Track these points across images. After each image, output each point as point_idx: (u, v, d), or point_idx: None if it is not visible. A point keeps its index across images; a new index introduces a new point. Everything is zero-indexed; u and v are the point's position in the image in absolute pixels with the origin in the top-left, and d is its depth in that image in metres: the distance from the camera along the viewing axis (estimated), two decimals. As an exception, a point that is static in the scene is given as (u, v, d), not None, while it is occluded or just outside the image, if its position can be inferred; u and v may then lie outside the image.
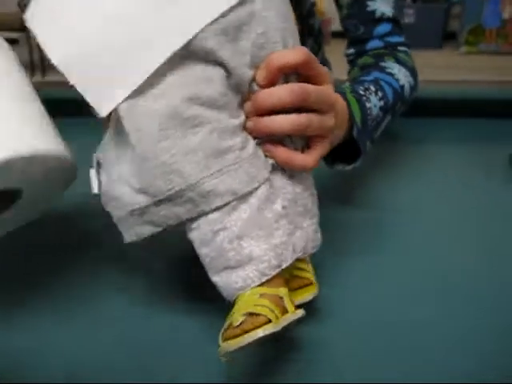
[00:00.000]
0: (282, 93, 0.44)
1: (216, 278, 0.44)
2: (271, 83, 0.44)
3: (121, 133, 0.44)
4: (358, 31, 0.81)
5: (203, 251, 0.44)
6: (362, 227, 0.62)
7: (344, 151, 0.60)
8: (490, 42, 4.15)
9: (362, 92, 0.65)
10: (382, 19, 0.80)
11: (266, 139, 0.45)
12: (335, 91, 0.51)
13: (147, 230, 0.45)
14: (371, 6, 0.80)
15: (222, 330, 0.41)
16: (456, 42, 4.28)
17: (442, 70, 3.55)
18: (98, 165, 0.47)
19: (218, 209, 0.42)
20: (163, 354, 0.46)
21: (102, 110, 0.42)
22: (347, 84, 0.67)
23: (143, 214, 0.44)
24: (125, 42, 0.41)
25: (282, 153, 0.45)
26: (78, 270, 0.56)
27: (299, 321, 0.42)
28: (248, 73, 0.43)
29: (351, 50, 0.83)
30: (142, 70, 0.41)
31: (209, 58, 0.42)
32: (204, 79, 0.42)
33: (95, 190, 0.47)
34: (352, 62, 0.82)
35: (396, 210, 0.66)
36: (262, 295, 0.42)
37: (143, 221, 0.45)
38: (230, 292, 0.43)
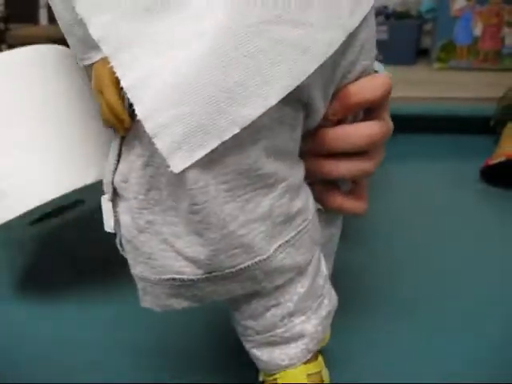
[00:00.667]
0: (356, 139, 0.39)
1: (256, 352, 0.39)
2: (343, 119, 0.39)
3: (163, 168, 0.32)
4: None
5: (248, 324, 0.38)
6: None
7: None
8: (462, 58, 4.22)
9: None
10: None
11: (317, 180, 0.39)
12: None
13: (179, 305, 0.37)
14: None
15: None
16: (429, 58, 4.34)
17: (415, 85, 3.60)
18: (116, 193, 0.36)
19: (276, 288, 0.37)
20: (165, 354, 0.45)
21: (179, 166, 0.30)
22: None
23: (183, 287, 0.35)
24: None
25: (337, 199, 0.41)
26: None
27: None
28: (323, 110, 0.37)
29: None
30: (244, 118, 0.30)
31: (296, 99, 0.33)
32: (283, 122, 0.33)
33: (108, 227, 0.37)
34: None
35: (365, 227, 0.66)
36: (309, 375, 0.38)
37: (179, 293, 0.36)
38: (270, 367, 0.39)
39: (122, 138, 0.34)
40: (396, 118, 0.99)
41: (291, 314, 0.38)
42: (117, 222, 0.36)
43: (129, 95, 0.30)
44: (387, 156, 0.94)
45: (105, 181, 0.36)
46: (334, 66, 0.34)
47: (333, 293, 0.41)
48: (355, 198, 0.42)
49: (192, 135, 0.29)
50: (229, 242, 0.33)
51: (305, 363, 0.39)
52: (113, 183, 0.35)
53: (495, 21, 4.15)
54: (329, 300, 0.40)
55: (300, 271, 0.37)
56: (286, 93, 0.30)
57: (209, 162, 0.30)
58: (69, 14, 0.35)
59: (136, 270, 0.36)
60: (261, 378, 0.41)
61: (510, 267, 0.59)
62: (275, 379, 0.39)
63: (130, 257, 0.37)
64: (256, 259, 0.34)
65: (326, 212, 0.41)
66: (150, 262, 0.35)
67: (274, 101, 0.29)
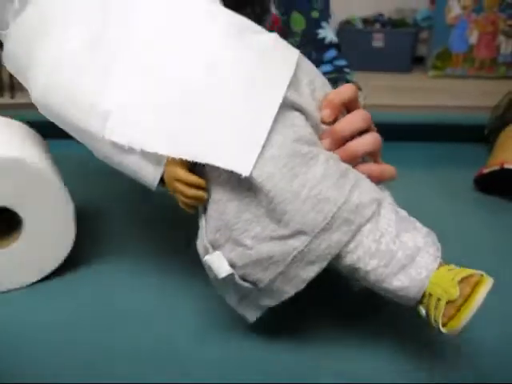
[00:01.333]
0: (357, 121, 0.50)
1: (397, 283, 0.43)
2: (336, 119, 0.49)
3: (237, 198, 0.45)
4: (311, 57, 0.86)
5: (372, 264, 0.43)
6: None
7: None
8: (457, 66, 4.24)
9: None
10: (330, 45, 0.87)
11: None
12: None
13: (313, 271, 0.44)
14: (321, 33, 0.87)
15: (438, 315, 0.41)
16: (424, 66, 4.36)
17: (410, 93, 3.61)
18: (213, 247, 0.46)
19: (369, 220, 0.44)
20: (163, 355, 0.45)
21: (247, 168, 0.42)
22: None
23: (305, 256, 0.44)
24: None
25: (376, 169, 0.51)
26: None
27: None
28: (318, 116, 0.48)
29: None
30: (262, 126, 0.44)
31: (294, 107, 0.46)
32: (296, 124, 0.46)
33: (226, 271, 0.45)
34: None
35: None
36: (450, 270, 0.43)
37: (306, 262, 0.44)
38: (417, 288, 0.43)
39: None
40: (390, 127, 1.00)
41: (398, 236, 0.44)
42: (230, 263, 0.45)
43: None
44: (383, 162, 0.94)
45: (199, 247, 0.47)
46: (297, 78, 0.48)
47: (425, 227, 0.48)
48: (384, 165, 0.53)
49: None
50: (310, 203, 0.43)
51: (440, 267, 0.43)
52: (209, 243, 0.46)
53: (491, 29, 4.17)
54: (422, 226, 0.47)
55: (379, 203, 0.45)
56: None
57: (264, 156, 0.43)
58: None
59: (268, 275, 0.44)
60: (423, 311, 0.44)
61: (504, 275, 0.59)
62: (429, 294, 0.42)
63: (256, 273, 0.45)
64: (337, 205, 0.43)
65: None
66: (273, 259, 0.44)
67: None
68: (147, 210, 0.75)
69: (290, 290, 0.45)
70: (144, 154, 0.46)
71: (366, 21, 4.42)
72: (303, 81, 0.48)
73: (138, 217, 0.73)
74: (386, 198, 0.48)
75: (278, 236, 0.44)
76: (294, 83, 0.47)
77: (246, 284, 0.45)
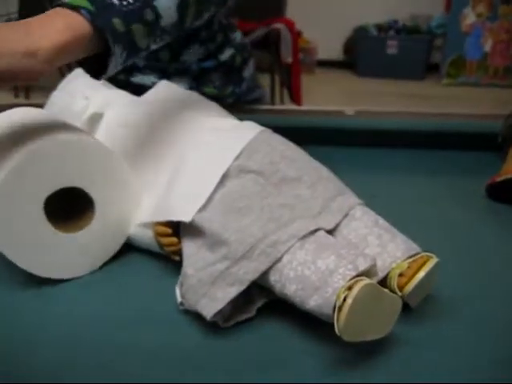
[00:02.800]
0: None
1: (313, 303, 0.47)
2: None
3: (194, 245, 0.55)
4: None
5: (291, 289, 0.48)
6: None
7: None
8: (471, 74, 4.22)
9: None
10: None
11: None
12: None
13: (230, 293, 0.50)
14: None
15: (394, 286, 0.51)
16: (438, 73, 4.35)
17: (424, 100, 3.61)
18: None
19: (285, 253, 0.50)
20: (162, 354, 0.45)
21: (189, 217, 0.54)
22: None
23: (226, 278, 0.50)
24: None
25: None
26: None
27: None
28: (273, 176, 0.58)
29: None
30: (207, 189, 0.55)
31: (245, 170, 0.57)
32: (244, 184, 0.56)
33: (179, 299, 0.53)
34: None
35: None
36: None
37: (226, 284, 0.50)
38: (329, 305, 0.45)
39: None
40: (403, 134, 1.00)
41: (313, 262, 0.48)
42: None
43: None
44: (393, 170, 0.95)
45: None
46: None
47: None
48: None
49: None
50: (234, 238, 0.51)
51: None
52: None
53: (505, 37, 4.16)
54: (347, 251, 0.51)
55: (303, 239, 0.50)
56: None
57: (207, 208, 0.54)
58: None
59: (195, 297, 0.52)
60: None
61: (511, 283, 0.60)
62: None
63: (198, 301, 0.51)
64: (257, 238, 0.51)
65: None
66: (202, 283, 0.51)
67: None
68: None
69: (208, 312, 0.50)
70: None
71: (380, 27, 4.42)
72: (261, 152, 0.58)
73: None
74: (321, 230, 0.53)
75: (208, 264, 0.52)
76: (249, 154, 0.57)
77: (190, 308, 0.52)
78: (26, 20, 0.51)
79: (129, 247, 0.63)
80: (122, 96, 0.74)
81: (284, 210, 0.54)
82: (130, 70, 0.96)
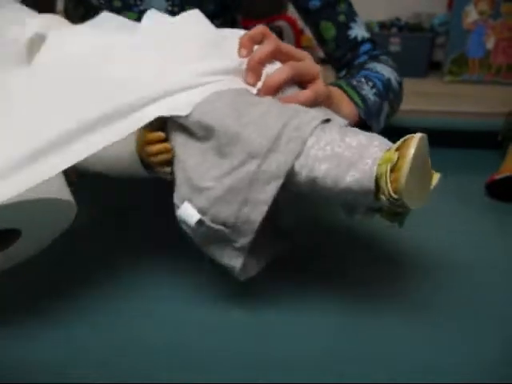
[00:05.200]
0: (279, 74, 0.55)
1: (350, 178, 0.46)
2: (259, 77, 0.56)
3: (195, 153, 0.51)
4: (346, 57, 0.91)
5: (324, 169, 0.47)
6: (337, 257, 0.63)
7: None
8: (473, 72, 4.22)
9: (355, 83, 0.77)
10: (363, 41, 0.93)
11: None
12: (331, 84, 0.67)
13: (270, 191, 0.47)
14: (352, 33, 0.93)
15: (386, 187, 0.44)
16: (440, 71, 4.34)
17: (426, 98, 3.60)
18: (182, 202, 0.50)
19: (311, 134, 0.48)
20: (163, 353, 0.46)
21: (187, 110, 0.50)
22: (340, 80, 0.80)
23: (259, 177, 0.47)
24: None
25: (290, 98, 0.54)
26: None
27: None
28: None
29: (343, 73, 0.95)
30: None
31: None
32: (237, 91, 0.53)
33: (194, 218, 0.49)
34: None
35: (372, 239, 0.67)
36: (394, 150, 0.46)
37: (262, 184, 0.47)
38: (367, 176, 0.45)
39: None
40: (404, 131, 1.00)
41: (342, 140, 0.47)
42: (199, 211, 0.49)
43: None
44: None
45: (176, 208, 0.51)
46: None
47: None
48: (303, 90, 0.57)
49: None
50: (254, 133, 0.48)
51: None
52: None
53: (508, 35, 4.14)
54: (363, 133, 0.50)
55: (322, 121, 0.49)
56: None
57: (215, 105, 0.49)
58: None
59: (230, 208, 0.48)
60: (383, 199, 0.45)
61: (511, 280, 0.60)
62: (380, 175, 0.45)
63: (231, 207, 0.48)
64: (278, 127, 0.48)
65: None
66: (234, 191, 0.48)
67: None
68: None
69: (256, 218, 0.48)
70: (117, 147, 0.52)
71: (382, 25, 4.41)
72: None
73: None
74: (336, 119, 0.52)
75: (232, 168, 0.48)
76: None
77: (217, 226, 0.48)
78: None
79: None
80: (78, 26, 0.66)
81: (286, 105, 0.52)
82: None
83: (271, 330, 0.52)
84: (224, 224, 0.48)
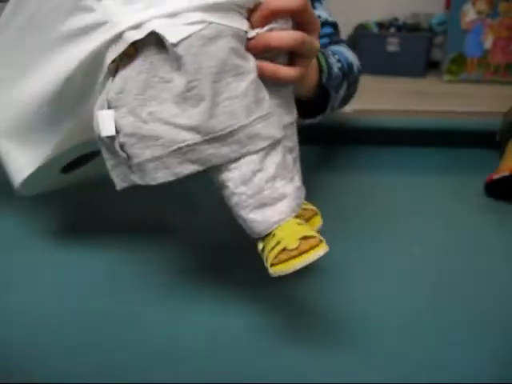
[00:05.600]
0: (286, 38, 0.50)
1: (251, 215, 0.48)
2: (265, 25, 0.49)
3: (155, 71, 0.46)
4: None
5: (240, 190, 0.48)
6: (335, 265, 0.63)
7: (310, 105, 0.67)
8: (472, 71, 4.22)
9: (323, 51, 0.73)
10: (326, 23, 0.90)
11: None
12: None
13: (189, 170, 0.47)
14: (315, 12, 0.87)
15: (270, 256, 0.46)
16: (439, 70, 4.34)
17: (425, 98, 3.60)
18: (109, 106, 0.47)
19: (257, 152, 0.47)
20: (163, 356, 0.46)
21: (176, 37, 0.45)
22: None
23: (188, 152, 0.46)
24: None
25: (270, 66, 0.50)
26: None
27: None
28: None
29: None
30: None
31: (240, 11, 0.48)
32: (237, 35, 0.47)
33: (109, 131, 0.47)
34: None
35: (374, 238, 0.67)
36: (299, 224, 0.48)
37: (186, 159, 0.47)
38: (265, 226, 0.48)
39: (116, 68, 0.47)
40: (402, 132, 1.01)
41: (273, 178, 0.48)
42: (117, 127, 0.47)
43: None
44: (391, 168, 0.95)
45: (98, 102, 0.48)
46: None
47: (301, 183, 0.52)
48: (289, 67, 0.52)
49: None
50: (217, 110, 0.45)
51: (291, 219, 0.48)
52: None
53: (506, 34, 4.15)
54: (299, 180, 0.51)
55: (274, 144, 0.48)
56: None
57: (200, 47, 0.44)
58: None
59: (146, 154, 0.47)
60: (260, 246, 0.49)
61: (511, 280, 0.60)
62: (273, 234, 0.47)
63: (136, 147, 0.47)
64: (240, 124, 0.46)
65: (282, 99, 0.52)
66: (159, 142, 0.46)
67: None
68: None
69: (158, 178, 0.48)
70: None
71: (381, 25, 4.41)
72: None
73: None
74: (284, 139, 0.51)
75: (174, 123, 0.46)
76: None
77: (122, 154, 0.47)
78: None
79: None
80: None
81: (263, 90, 0.49)
82: None
83: (270, 333, 0.52)
84: (129, 157, 0.48)
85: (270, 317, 0.53)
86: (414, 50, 4.33)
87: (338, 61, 0.77)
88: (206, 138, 0.46)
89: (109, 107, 0.47)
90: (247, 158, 0.47)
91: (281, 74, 0.51)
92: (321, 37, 0.86)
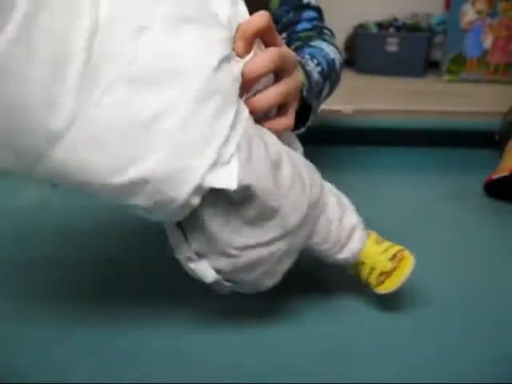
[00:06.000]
0: (266, 62, 0.48)
1: (341, 256, 0.54)
2: (249, 51, 0.48)
3: (217, 213, 0.46)
4: (288, 15, 0.88)
5: (325, 247, 0.53)
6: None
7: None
8: (472, 71, 4.22)
9: (299, 58, 0.71)
10: (309, 6, 0.89)
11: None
12: None
13: (287, 264, 0.51)
14: None
15: (372, 282, 0.53)
16: (439, 70, 4.35)
17: (425, 98, 3.60)
18: (198, 256, 0.48)
19: (322, 212, 0.52)
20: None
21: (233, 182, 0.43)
22: None
23: (284, 254, 0.49)
24: None
25: (266, 125, 0.50)
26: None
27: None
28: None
29: (283, 35, 0.88)
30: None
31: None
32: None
33: (212, 277, 0.48)
34: None
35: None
36: (376, 242, 0.55)
37: (285, 259, 0.50)
38: (354, 258, 0.54)
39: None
40: (402, 132, 1.01)
41: (340, 220, 0.53)
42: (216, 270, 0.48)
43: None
44: (391, 168, 0.96)
45: (182, 254, 0.48)
46: None
47: (347, 200, 0.57)
48: (282, 117, 0.53)
49: None
50: (287, 212, 0.48)
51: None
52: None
53: (505, 33, 4.15)
54: (346, 201, 0.56)
55: (322, 189, 0.52)
56: None
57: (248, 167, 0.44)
58: None
59: (252, 276, 0.49)
60: (352, 271, 0.56)
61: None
62: (361, 262, 0.54)
63: (242, 276, 0.48)
64: (307, 204, 0.49)
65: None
66: (260, 262, 0.48)
67: None
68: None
69: (268, 284, 0.50)
70: None
71: (380, 25, 4.42)
72: None
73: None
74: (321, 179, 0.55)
75: (264, 242, 0.47)
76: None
77: (228, 284, 0.49)
78: None
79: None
80: None
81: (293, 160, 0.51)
82: None
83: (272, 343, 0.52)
84: (237, 282, 0.49)
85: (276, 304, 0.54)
86: (413, 50, 4.33)
87: (318, 64, 0.76)
88: (291, 235, 0.49)
89: (197, 256, 0.48)
90: (319, 222, 0.52)
91: (280, 128, 0.52)
92: (303, 21, 0.89)
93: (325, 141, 1.00)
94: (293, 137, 0.57)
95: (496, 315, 0.55)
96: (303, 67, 0.69)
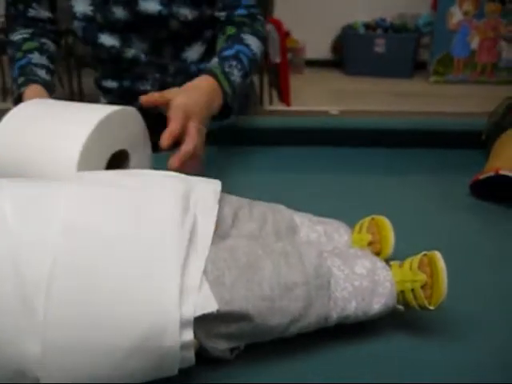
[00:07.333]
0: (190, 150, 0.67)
1: (377, 305, 0.50)
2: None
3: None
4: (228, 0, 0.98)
5: (353, 305, 0.49)
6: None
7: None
8: (458, 72, 4.25)
9: (227, 69, 0.85)
10: None
11: None
12: (209, 72, 0.81)
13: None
14: None
15: (422, 302, 0.49)
16: (426, 71, 4.37)
17: (412, 98, 3.63)
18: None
19: (330, 275, 0.50)
20: None
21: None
22: (216, 63, 0.86)
23: (313, 301, 0.49)
24: None
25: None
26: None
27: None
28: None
29: (222, 13, 0.99)
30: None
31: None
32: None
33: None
34: (221, 29, 0.98)
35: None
36: (399, 266, 0.52)
37: (306, 327, 0.49)
38: (391, 296, 0.50)
39: None
40: (390, 133, 1.01)
41: (352, 271, 0.51)
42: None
43: None
44: (378, 169, 0.96)
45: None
46: None
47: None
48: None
49: None
50: (285, 299, 0.48)
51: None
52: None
53: (492, 34, 4.19)
54: (355, 249, 0.56)
55: (320, 255, 0.51)
56: None
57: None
58: None
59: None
60: (401, 308, 0.51)
61: (499, 280, 0.60)
62: (401, 292, 0.51)
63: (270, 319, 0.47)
64: (304, 280, 0.49)
65: None
66: (287, 310, 0.48)
67: None
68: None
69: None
70: None
71: (368, 26, 4.43)
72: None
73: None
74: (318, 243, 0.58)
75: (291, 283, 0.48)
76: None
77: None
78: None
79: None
80: None
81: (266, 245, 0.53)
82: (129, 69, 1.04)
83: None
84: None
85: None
86: (400, 50, 4.35)
87: (241, 69, 0.87)
88: (302, 315, 0.48)
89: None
90: (330, 288, 0.50)
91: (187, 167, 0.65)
92: (242, 7, 0.97)
93: (311, 141, 1.00)
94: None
95: (482, 314, 0.55)
96: (229, 80, 0.83)
